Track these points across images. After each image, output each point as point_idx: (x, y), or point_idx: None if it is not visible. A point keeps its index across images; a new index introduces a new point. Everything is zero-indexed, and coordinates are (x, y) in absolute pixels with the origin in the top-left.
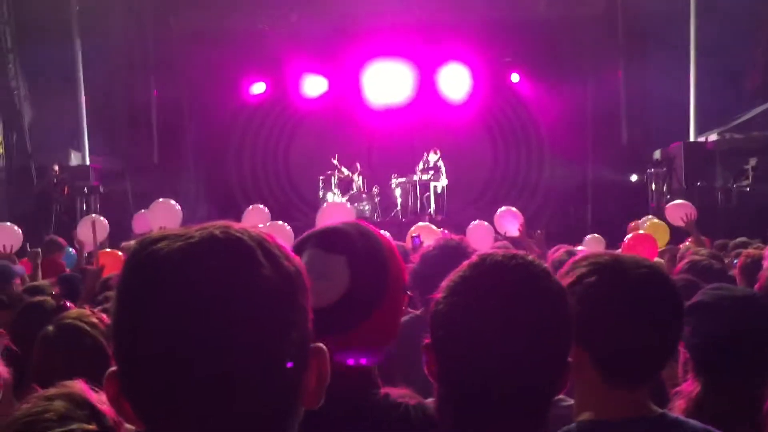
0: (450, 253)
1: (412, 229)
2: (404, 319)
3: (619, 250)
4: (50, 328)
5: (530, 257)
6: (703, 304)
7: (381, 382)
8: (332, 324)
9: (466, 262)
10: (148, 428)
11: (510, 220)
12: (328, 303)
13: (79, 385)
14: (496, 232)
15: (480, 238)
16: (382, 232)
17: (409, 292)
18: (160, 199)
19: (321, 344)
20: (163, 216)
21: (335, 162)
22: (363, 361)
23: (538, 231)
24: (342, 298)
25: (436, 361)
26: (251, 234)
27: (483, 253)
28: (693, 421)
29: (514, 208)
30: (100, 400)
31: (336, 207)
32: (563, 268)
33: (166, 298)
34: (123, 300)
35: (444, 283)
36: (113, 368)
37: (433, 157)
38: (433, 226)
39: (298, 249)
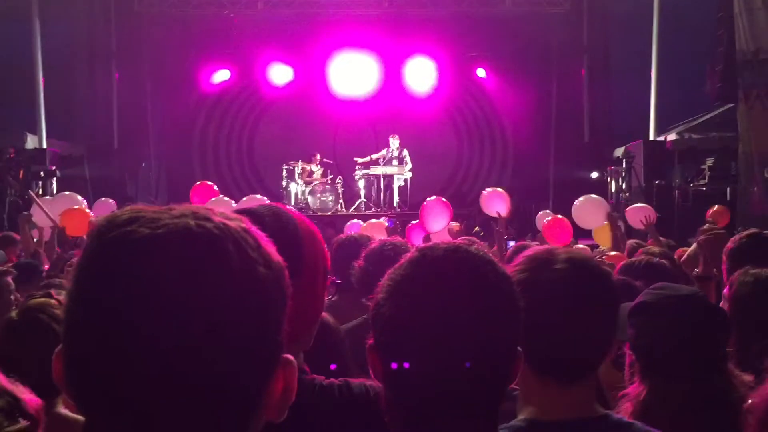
0: (392, 252)
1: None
2: (356, 323)
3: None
4: (14, 314)
5: (473, 247)
6: (647, 304)
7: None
8: None
9: (404, 259)
10: (85, 416)
11: (498, 202)
12: None
13: None
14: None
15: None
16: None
17: (335, 279)
18: (66, 192)
19: (291, 357)
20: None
21: (321, 158)
22: None
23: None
24: None
25: (380, 363)
26: (230, 230)
27: (422, 246)
28: (638, 423)
29: (500, 189)
30: (18, 389)
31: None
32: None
33: (123, 288)
34: (80, 279)
35: (383, 282)
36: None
37: (394, 143)
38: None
39: None
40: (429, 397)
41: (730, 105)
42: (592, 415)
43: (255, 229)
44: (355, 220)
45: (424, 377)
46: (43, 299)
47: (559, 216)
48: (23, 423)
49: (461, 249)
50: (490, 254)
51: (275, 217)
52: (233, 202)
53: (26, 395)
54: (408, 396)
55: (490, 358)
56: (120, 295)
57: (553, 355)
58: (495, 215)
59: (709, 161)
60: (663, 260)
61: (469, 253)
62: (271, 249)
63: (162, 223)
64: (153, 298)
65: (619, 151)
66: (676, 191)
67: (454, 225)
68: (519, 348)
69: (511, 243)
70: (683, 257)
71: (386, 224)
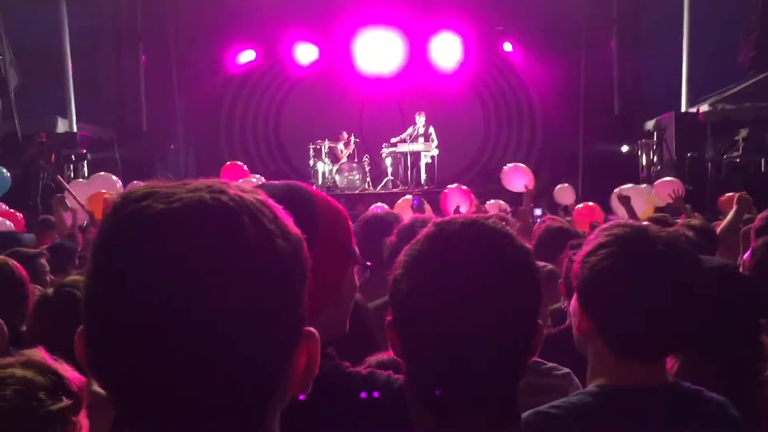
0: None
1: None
2: (384, 300)
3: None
4: (50, 291)
5: (490, 221)
6: None
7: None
8: None
9: (422, 234)
10: (110, 394)
11: (518, 176)
12: None
13: (40, 354)
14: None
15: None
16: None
17: (366, 263)
18: (101, 173)
19: (313, 329)
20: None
21: (348, 137)
22: None
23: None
24: None
25: (399, 339)
26: (246, 203)
27: (439, 221)
28: (705, 390)
29: (522, 164)
30: (62, 367)
31: None
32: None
33: (137, 265)
34: (96, 257)
35: (401, 258)
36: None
37: (420, 120)
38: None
39: None
40: (447, 372)
41: (765, 74)
42: (661, 383)
43: (271, 201)
44: (379, 203)
45: (442, 353)
46: (78, 276)
47: (590, 203)
48: (66, 401)
49: (478, 222)
50: (514, 230)
51: (288, 192)
52: (263, 178)
53: (69, 373)
54: (426, 372)
55: (507, 332)
56: (134, 272)
57: (637, 337)
58: (518, 191)
59: (743, 132)
60: (688, 232)
61: (486, 227)
62: (288, 221)
63: (177, 198)
64: (168, 274)
65: (650, 124)
66: (709, 164)
67: (500, 205)
68: (539, 321)
69: (538, 211)
70: (718, 230)
71: (413, 202)
